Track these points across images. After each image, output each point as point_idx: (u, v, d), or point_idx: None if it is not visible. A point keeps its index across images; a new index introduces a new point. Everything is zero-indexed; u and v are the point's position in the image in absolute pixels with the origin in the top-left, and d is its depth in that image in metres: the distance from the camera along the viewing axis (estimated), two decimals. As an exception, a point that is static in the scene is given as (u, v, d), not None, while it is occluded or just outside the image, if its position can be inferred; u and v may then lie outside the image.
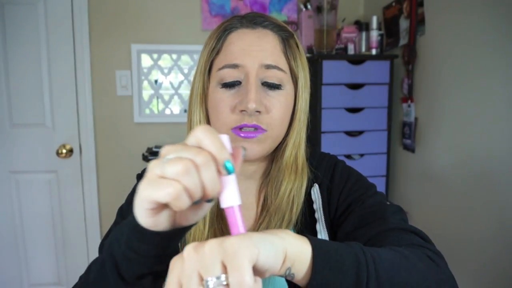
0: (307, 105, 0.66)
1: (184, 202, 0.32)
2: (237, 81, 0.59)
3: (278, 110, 0.60)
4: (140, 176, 0.73)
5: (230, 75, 0.59)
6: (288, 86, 0.62)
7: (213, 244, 0.29)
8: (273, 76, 0.59)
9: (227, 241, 0.29)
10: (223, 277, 0.28)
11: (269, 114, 0.59)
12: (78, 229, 2.08)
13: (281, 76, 0.60)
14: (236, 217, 0.33)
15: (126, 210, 0.67)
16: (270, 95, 0.60)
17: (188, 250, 0.30)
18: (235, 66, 0.59)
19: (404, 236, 0.51)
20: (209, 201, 0.35)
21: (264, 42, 0.60)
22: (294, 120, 0.64)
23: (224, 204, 0.34)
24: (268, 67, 0.59)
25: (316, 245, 0.37)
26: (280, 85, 0.60)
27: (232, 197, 0.34)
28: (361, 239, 0.53)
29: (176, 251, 0.40)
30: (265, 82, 0.59)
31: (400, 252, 0.44)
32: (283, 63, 0.62)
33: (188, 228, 0.40)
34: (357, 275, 0.37)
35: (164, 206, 0.34)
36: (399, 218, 0.56)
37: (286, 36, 0.63)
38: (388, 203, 0.61)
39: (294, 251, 0.35)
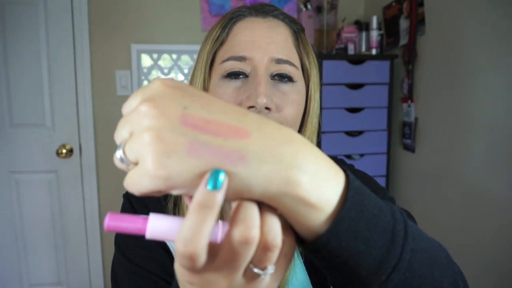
0: (319, 107, 0.59)
1: None
2: (242, 72, 0.52)
3: (290, 109, 0.52)
4: (126, 196, 0.62)
5: (235, 68, 0.52)
6: (300, 84, 0.55)
7: None
8: (284, 72, 0.53)
9: None
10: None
11: (280, 113, 0.52)
12: (78, 229, 2.07)
13: (293, 73, 0.54)
14: None
15: (123, 245, 0.56)
16: (281, 91, 0.53)
17: None
18: (241, 58, 0.52)
19: None
20: None
21: (275, 34, 0.53)
22: (306, 123, 0.57)
23: None
24: (279, 61, 0.52)
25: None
26: (293, 78, 0.53)
27: None
28: None
29: None
30: (278, 73, 0.52)
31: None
32: (295, 59, 0.55)
33: None
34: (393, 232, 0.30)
35: None
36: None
37: (297, 29, 0.57)
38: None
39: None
